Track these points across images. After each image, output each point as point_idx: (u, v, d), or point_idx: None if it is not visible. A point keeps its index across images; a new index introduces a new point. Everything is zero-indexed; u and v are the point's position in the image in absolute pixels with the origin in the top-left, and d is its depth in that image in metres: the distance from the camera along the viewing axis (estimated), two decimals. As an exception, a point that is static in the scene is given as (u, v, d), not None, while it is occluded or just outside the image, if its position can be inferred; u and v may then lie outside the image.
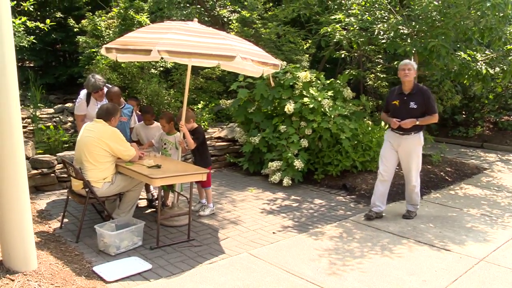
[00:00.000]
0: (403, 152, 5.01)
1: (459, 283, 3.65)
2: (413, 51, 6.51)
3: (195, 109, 8.31)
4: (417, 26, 6.53)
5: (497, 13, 5.86)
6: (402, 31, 6.62)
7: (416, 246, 4.37)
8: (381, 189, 5.14)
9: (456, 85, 9.56)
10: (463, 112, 11.18)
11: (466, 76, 6.95)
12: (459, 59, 6.47)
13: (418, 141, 4.99)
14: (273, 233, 4.64)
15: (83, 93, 5.30)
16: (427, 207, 5.63)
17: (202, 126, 6.96)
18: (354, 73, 9.25)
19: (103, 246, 3.98)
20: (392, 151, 5.07)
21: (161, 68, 8.80)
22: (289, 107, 6.43)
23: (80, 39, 9.13)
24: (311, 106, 6.37)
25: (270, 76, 5.51)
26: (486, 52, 7.19)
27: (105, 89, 5.22)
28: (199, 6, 10.26)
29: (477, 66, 6.60)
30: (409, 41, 6.60)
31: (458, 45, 6.81)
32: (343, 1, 7.84)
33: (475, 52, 6.95)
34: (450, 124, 11.00)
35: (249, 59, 4.30)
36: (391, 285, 3.58)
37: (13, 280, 3.19)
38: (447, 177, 6.85)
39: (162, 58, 5.48)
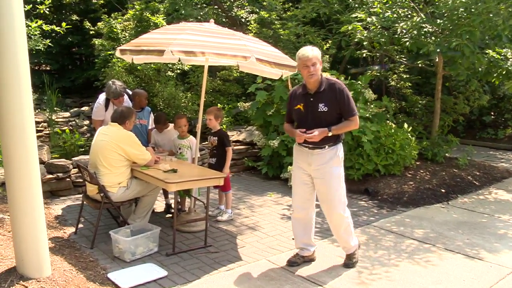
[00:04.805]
0: (316, 173, 3.66)
1: (491, 294, 3.46)
2: (437, 51, 6.28)
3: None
4: (442, 24, 6.31)
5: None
6: (425, 29, 6.39)
7: (443, 254, 4.16)
8: (297, 228, 3.95)
9: (484, 84, 9.21)
10: (492, 113, 10.77)
11: (495, 75, 6.68)
12: (486, 57, 6.20)
13: (336, 157, 3.65)
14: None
15: (102, 97, 5.23)
16: (454, 212, 5.39)
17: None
18: (376, 74, 9.03)
19: (118, 252, 3.91)
20: (302, 175, 3.77)
21: (178, 71, 8.75)
22: (309, 109, 6.28)
23: (96, 42, 9.16)
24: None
25: (288, 78, 5.38)
26: (517, 49, 6.89)
27: (125, 95, 5.18)
28: (216, 6, 10.19)
29: (507, 65, 6.32)
30: (433, 39, 6.37)
31: (487, 42, 6.52)
32: (363, -1, 7.65)
33: (505, 50, 6.66)
34: (478, 126, 10.60)
35: (265, 61, 4.19)
36: (418, 296, 3.41)
37: (26, 287, 3.14)
38: (475, 181, 6.58)
39: (179, 60, 5.44)
